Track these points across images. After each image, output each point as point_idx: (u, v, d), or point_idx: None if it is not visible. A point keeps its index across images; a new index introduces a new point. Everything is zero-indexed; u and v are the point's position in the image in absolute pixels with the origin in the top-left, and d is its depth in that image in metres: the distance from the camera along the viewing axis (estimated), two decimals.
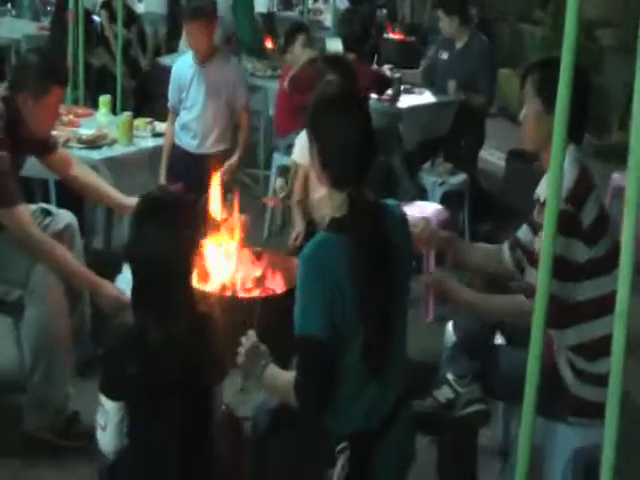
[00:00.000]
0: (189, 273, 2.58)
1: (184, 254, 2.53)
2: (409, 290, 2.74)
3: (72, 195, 4.77)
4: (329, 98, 2.67)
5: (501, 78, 10.23)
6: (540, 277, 2.39)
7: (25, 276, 3.74)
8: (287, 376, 2.62)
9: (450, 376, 3.22)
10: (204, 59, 4.86)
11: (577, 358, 3.03)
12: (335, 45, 6.47)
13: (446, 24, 6.62)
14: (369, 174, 2.63)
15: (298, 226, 4.40)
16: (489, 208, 6.50)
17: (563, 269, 2.84)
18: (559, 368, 3.05)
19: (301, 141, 4.59)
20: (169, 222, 2.50)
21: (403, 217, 2.76)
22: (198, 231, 2.64)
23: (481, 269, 3.52)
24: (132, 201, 4.08)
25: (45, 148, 4.08)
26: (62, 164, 4.18)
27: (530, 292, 2.92)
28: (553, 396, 2.87)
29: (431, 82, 6.82)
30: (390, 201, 2.77)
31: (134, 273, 2.52)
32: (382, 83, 6.13)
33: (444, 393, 3.21)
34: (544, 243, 2.40)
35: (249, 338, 2.74)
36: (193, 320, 2.56)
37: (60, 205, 4.76)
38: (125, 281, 3.87)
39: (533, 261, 3.08)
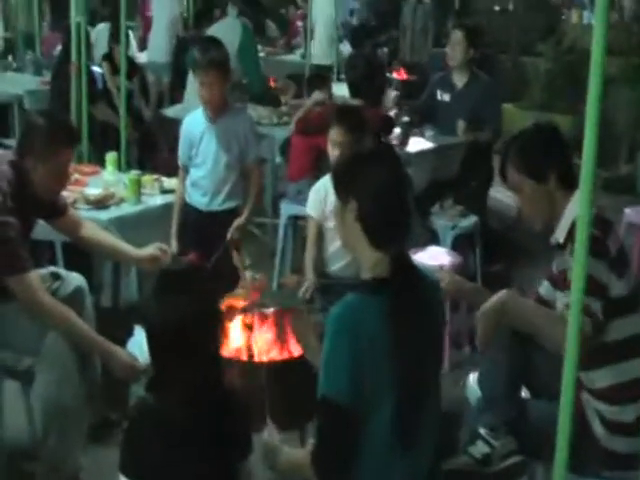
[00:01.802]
0: (215, 347, 2.52)
1: (207, 327, 2.48)
2: (442, 359, 2.70)
3: (79, 254, 4.76)
4: (366, 155, 2.66)
5: (505, 113, 10.26)
6: (571, 322, 2.31)
7: (35, 344, 3.70)
8: (302, 452, 2.58)
9: (483, 430, 3.17)
10: (215, 114, 4.79)
11: (604, 406, 3.00)
12: (342, 90, 6.48)
13: (460, 53, 6.56)
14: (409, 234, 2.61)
15: (309, 279, 4.34)
16: (500, 248, 6.46)
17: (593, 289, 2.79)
18: (588, 420, 3.01)
19: (313, 194, 4.56)
20: (189, 296, 2.45)
21: (436, 282, 2.73)
22: (218, 303, 2.58)
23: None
24: (145, 253, 4.13)
25: (55, 211, 4.06)
26: (72, 226, 4.16)
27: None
28: (584, 450, 2.81)
29: (428, 121, 6.78)
30: (422, 265, 2.74)
31: (154, 349, 2.46)
32: (388, 125, 6.11)
33: (479, 449, 3.15)
34: (574, 276, 2.29)
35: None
36: (219, 397, 2.50)
37: (68, 265, 4.74)
38: (137, 345, 3.85)
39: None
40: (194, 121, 4.90)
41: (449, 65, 6.71)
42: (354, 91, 6.05)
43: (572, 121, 9.56)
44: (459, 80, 6.62)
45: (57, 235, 4.43)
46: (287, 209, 6.18)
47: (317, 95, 6.26)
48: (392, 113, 6.71)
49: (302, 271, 4.63)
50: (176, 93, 9.12)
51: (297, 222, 6.31)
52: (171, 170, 5.52)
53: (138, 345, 3.82)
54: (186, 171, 4.96)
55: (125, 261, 4.49)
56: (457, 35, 6.65)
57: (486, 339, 3.00)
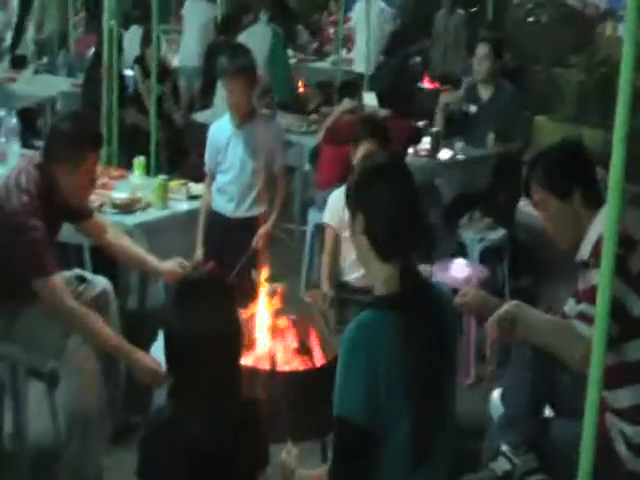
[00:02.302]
0: (233, 357, 2.50)
1: (225, 336, 2.47)
2: (456, 372, 2.68)
3: (107, 258, 4.78)
4: (375, 169, 2.64)
5: (537, 125, 10.20)
6: (595, 340, 2.27)
7: (60, 347, 3.72)
8: (318, 472, 2.59)
9: (504, 447, 3.15)
10: (242, 120, 4.80)
11: (629, 427, 2.96)
12: (371, 99, 6.47)
13: (485, 64, 6.52)
14: (418, 248, 2.59)
15: (324, 288, 4.33)
16: (528, 262, 6.41)
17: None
18: (612, 440, 2.98)
19: (332, 202, 4.55)
20: (207, 305, 2.45)
21: (449, 296, 2.72)
22: (238, 312, 2.57)
23: None
24: (167, 266, 4.12)
25: (81, 215, 4.07)
26: (97, 230, 4.18)
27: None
28: (607, 471, 2.77)
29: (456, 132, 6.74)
30: (436, 280, 2.72)
31: (172, 357, 2.46)
32: (416, 135, 6.09)
33: (501, 465, 3.14)
34: (600, 292, 2.25)
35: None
36: (237, 407, 2.48)
37: (95, 268, 4.76)
38: (161, 350, 3.84)
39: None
40: (221, 127, 4.92)
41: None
42: (382, 100, 6.04)
43: (603, 135, 9.50)
44: (485, 92, 6.58)
45: (85, 238, 4.45)
46: (315, 217, 6.16)
47: (346, 103, 6.25)
48: (421, 123, 6.66)
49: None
50: (207, 98, 9.14)
51: (324, 230, 6.30)
52: (200, 175, 5.54)
53: (161, 350, 3.82)
54: (212, 177, 4.97)
55: (145, 272, 4.50)
56: (483, 49, 6.60)
57: (494, 349, 2.97)
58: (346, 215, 4.32)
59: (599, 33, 13.83)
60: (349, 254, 4.43)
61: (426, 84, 10.23)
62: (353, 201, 2.59)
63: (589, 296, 3.01)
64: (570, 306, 3.25)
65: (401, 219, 2.53)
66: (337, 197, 4.55)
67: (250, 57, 4.90)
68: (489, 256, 5.86)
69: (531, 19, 15.80)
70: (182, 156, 8.36)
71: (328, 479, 2.49)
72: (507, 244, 6.02)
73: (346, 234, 4.42)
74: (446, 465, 2.64)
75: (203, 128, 8.06)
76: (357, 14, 10.71)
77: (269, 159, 4.86)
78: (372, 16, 10.37)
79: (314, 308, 4.12)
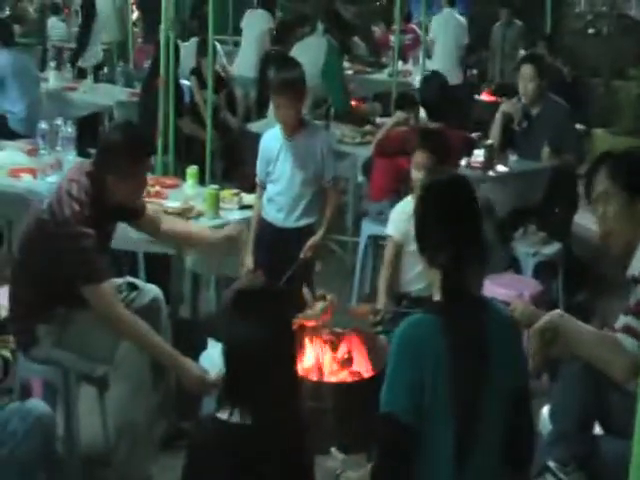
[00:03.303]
0: (289, 366, 2.53)
1: (281, 347, 2.49)
2: (520, 397, 2.66)
3: (160, 266, 4.83)
4: (436, 183, 2.80)
5: (595, 138, 10.09)
6: None
7: (110, 353, 3.76)
8: (362, 472, 2.63)
9: (552, 464, 3.11)
10: (291, 132, 4.80)
11: None
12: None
13: (531, 86, 6.44)
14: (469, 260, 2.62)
15: (380, 302, 4.33)
16: (583, 277, 6.33)
17: None
18: None
19: (395, 215, 4.56)
20: (265, 315, 2.47)
21: (509, 319, 2.74)
22: (291, 321, 2.59)
23: None
24: (220, 234, 4.40)
25: (134, 214, 4.12)
26: (152, 224, 4.25)
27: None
28: None
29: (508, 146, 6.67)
30: (496, 302, 2.78)
31: (229, 366, 2.47)
32: (468, 146, 6.05)
33: None
34: None
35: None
36: (290, 418, 2.49)
37: (148, 275, 4.81)
38: (209, 359, 3.88)
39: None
40: (272, 138, 4.94)
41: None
42: (429, 113, 6.00)
43: None
44: (534, 108, 6.49)
45: (138, 246, 4.50)
46: (367, 228, 6.17)
47: (398, 115, 6.23)
48: (475, 135, 6.61)
49: (375, 297, 4.62)
50: (263, 108, 9.19)
51: (377, 242, 6.30)
52: (253, 185, 5.57)
53: (209, 358, 3.87)
54: (263, 187, 5.00)
55: (202, 243, 4.55)
56: (527, 70, 6.43)
57: (537, 359, 2.98)
58: (411, 227, 4.38)
59: None
60: (413, 267, 4.44)
61: (484, 97, 10.20)
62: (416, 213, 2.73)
63: (637, 310, 2.97)
64: (620, 323, 3.21)
65: (444, 227, 2.62)
66: (401, 209, 4.58)
67: (298, 70, 4.85)
68: (543, 271, 5.80)
69: (591, 30, 15.65)
70: (237, 166, 8.43)
71: (372, 475, 2.53)
72: (562, 259, 5.95)
73: (411, 247, 4.43)
74: (492, 476, 2.63)
75: (257, 138, 8.19)
76: (436, 25, 10.72)
77: (319, 170, 4.86)
78: (449, 28, 10.41)
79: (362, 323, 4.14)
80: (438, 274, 2.58)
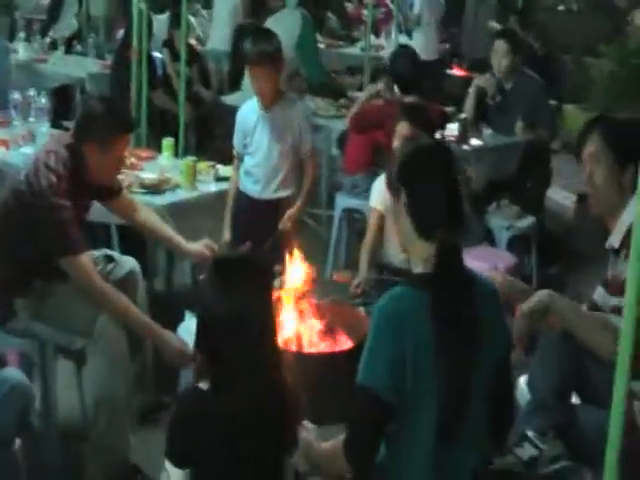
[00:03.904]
0: (270, 335, 2.51)
1: (263, 315, 2.47)
2: (502, 366, 2.66)
3: (134, 238, 4.79)
4: (419, 150, 2.72)
5: (566, 113, 10.11)
6: (623, 329, 2.26)
7: (88, 325, 3.73)
8: (334, 443, 2.61)
9: (530, 433, 3.11)
10: (268, 104, 4.77)
11: None
12: None
13: (505, 61, 6.46)
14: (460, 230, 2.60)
15: (362, 273, 4.34)
16: (556, 251, 6.37)
17: None
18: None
19: (378, 186, 4.55)
20: (245, 285, 2.45)
21: (494, 292, 2.71)
22: (272, 291, 2.57)
23: None
24: (195, 247, 4.16)
25: (110, 194, 4.09)
26: (126, 208, 4.20)
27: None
28: (635, 460, 2.76)
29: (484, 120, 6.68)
30: (480, 274, 2.73)
31: (208, 337, 2.45)
32: (442, 120, 6.04)
33: (526, 451, 3.09)
34: (629, 281, 2.24)
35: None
36: (270, 389, 2.48)
37: (123, 248, 4.78)
38: (187, 330, 3.87)
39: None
40: (249, 110, 4.90)
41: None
42: (404, 88, 5.98)
43: None
44: (508, 83, 6.51)
45: (112, 218, 4.46)
46: (342, 202, 6.17)
47: (370, 88, 6.20)
48: (449, 109, 6.60)
49: (356, 266, 4.63)
50: (236, 81, 9.13)
51: (351, 215, 6.30)
52: (227, 158, 5.53)
53: (188, 330, 3.85)
54: (240, 159, 4.96)
55: (174, 250, 4.55)
56: (500, 45, 6.50)
57: (522, 340, 2.97)
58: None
59: (630, 23, 13.70)
60: (394, 240, 4.44)
61: (456, 71, 10.19)
62: (397, 181, 2.62)
63: (622, 290, 2.98)
64: (600, 294, 3.23)
65: (443, 198, 2.55)
66: (383, 181, 4.54)
67: (274, 42, 4.78)
68: (517, 244, 5.84)
69: (562, 7, 15.67)
70: (210, 138, 8.39)
71: (344, 445, 2.52)
72: (535, 232, 5.98)
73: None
74: (478, 446, 2.64)
75: (231, 110, 8.14)
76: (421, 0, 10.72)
77: (296, 142, 4.84)
78: (432, 3, 10.43)
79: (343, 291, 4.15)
80: (426, 246, 2.53)
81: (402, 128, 4.48)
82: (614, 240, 3.05)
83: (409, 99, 5.71)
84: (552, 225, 6.71)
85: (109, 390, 3.70)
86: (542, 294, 2.99)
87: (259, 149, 4.82)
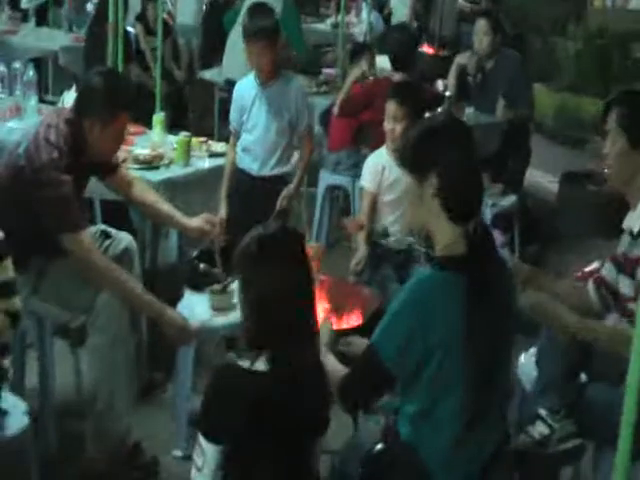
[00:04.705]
0: (313, 312, 2.48)
1: (308, 289, 2.45)
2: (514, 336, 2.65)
3: (119, 214, 4.72)
4: (442, 129, 2.59)
5: (535, 93, 10.16)
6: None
7: (89, 302, 3.67)
8: (338, 370, 2.63)
9: (542, 411, 3.14)
10: (266, 80, 4.71)
11: None
12: (384, 62, 6.38)
13: (486, 40, 6.46)
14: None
15: (361, 251, 4.33)
16: (537, 231, 6.41)
17: None
18: None
19: (369, 166, 4.52)
20: (292, 256, 2.43)
21: (511, 273, 2.73)
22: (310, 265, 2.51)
23: (564, 302, 3.40)
24: (195, 222, 4.08)
25: (108, 169, 4.02)
26: (123, 184, 4.13)
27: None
28: None
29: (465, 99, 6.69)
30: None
31: (251, 313, 2.41)
32: (436, 102, 6.03)
33: (538, 429, 3.12)
34: None
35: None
36: (317, 362, 2.47)
37: (106, 224, 4.69)
38: (187, 307, 3.82)
39: (623, 308, 3.03)
40: (246, 86, 4.84)
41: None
42: (397, 64, 5.94)
43: (599, 105, 9.48)
44: (488, 62, 6.53)
45: (95, 192, 4.36)
46: (326, 179, 6.13)
47: (355, 72, 6.12)
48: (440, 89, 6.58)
49: (338, 244, 4.61)
50: (208, 56, 9.03)
51: (333, 192, 6.27)
52: (203, 134, 5.46)
53: (188, 307, 3.81)
54: (237, 136, 4.89)
55: (173, 227, 4.48)
56: (482, 24, 6.51)
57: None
58: (385, 179, 4.38)
59: (589, 5, 13.80)
60: (387, 216, 4.46)
61: (425, 49, 10.16)
62: (421, 164, 2.51)
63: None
64: (608, 270, 3.23)
65: (473, 178, 2.51)
66: (375, 162, 4.54)
67: (272, 16, 4.76)
68: (499, 222, 5.85)
69: None
70: (183, 113, 8.28)
71: (338, 387, 2.55)
72: (518, 211, 6.01)
73: (384, 198, 4.43)
74: (498, 426, 2.65)
75: (209, 86, 8.05)
76: None
77: (293, 119, 4.78)
78: None
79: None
80: (455, 228, 2.47)
81: (391, 108, 4.41)
82: (633, 223, 3.07)
83: (398, 77, 5.68)
84: (531, 205, 6.76)
85: (111, 367, 3.65)
86: (569, 318, 3.01)
87: (257, 126, 4.77)
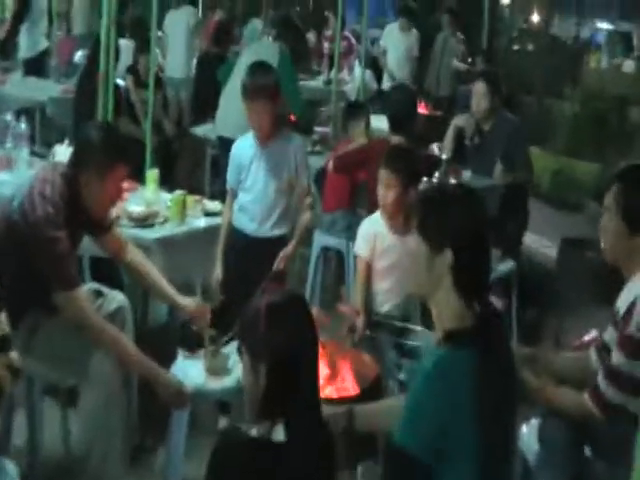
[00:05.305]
0: (317, 376, 2.51)
1: (314, 356, 2.49)
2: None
3: (110, 271, 4.75)
4: (454, 199, 2.57)
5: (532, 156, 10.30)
6: None
7: (81, 363, 3.69)
8: None
9: None
10: (265, 139, 4.77)
11: None
12: (381, 123, 6.48)
13: (484, 102, 6.56)
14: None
15: (359, 320, 4.34)
16: (535, 297, 6.46)
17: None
18: None
19: (363, 232, 4.56)
20: (301, 325, 2.46)
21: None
22: (316, 332, 2.55)
23: (567, 378, 3.40)
24: (187, 303, 4.11)
25: (102, 227, 4.06)
26: (116, 245, 4.16)
27: (594, 398, 3.04)
28: None
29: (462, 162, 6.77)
30: None
31: (259, 380, 2.42)
32: (432, 166, 6.10)
33: None
34: None
35: None
36: (319, 429, 2.49)
37: (96, 280, 4.72)
38: (181, 370, 3.85)
39: (610, 374, 3.08)
40: (244, 145, 4.89)
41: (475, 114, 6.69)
42: (396, 126, 6.03)
43: (597, 169, 9.63)
44: (486, 124, 6.62)
45: (84, 249, 4.37)
46: (320, 240, 6.17)
47: (361, 139, 6.20)
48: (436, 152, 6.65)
49: (331, 306, 4.60)
50: (198, 110, 9.13)
51: (327, 254, 6.31)
52: (192, 190, 5.50)
53: (182, 370, 3.83)
54: (234, 195, 4.93)
55: (163, 301, 4.45)
56: (480, 86, 6.59)
57: None
58: (378, 245, 4.42)
59: (585, 65, 14.06)
60: (381, 285, 4.47)
61: (420, 109, 10.31)
62: (437, 236, 2.48)
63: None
64: (609, 334, 3.26)
65: (486, 253, 2.53)
66: (367, 228, 4.53)
67: (272, 75, 4.83)
68: (497, 287, 5.89)
69: (516, 47, 16.01)
70: (171, 168, 8.34)
71: None
72: (516, 276, 6.06)
73: (378, 264, 4.47)
74: None
75: (201, 142, 8.14)
76: (388, 35, 10.98)
77: (292, 179, 4.83)
78: (402, 39, 10.66)
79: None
80: (462, 302, 2.47)
81: (384, 176, 4.42)
82: (621, 304, 3.15)
83: (396, 139, 5.76)
84: (529, 270, 6.82)
85: (104, 429, 3.66)
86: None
87: (255, 185, 4.81)
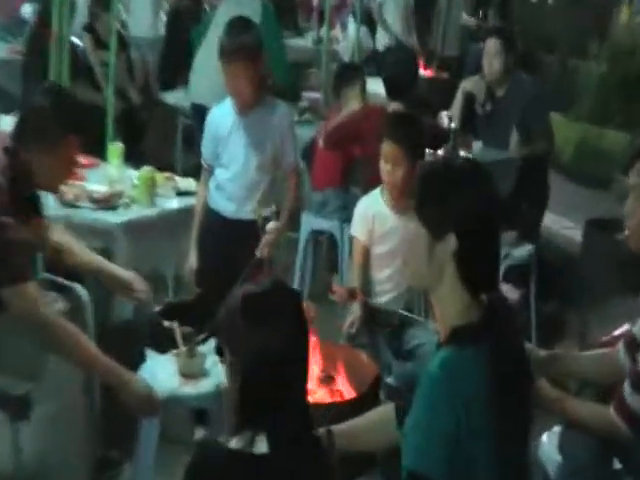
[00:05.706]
0: (306, 379, 2.52)
1: (304, 355, 2.49)
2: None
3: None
4: (461, 178, 2.51)
5: (553, 124, 10.31)
6: None
7: (34, 367, 3.69)
8: None
9: None
10: (245, 107, 4.74)
11: None
12: (377, 87, 6.48)
13: (497, 63, 6.58)
14: None
15: (355, 311, 4.36)
16: (555, 285, 6.48)
17: None
18: None
19: (360, 212, 4.58)
20: (289, 321, 2.45)
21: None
22: (307, 327, 2.55)
23: (593, 379, 3.44)
24: (129, 275, 4.06)
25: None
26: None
27: (619, 410, 2.99)
28: None
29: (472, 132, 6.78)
30: None
31: (242, 385, 2.43)
32: (439, 137, 6.09)
33: None
34: None
35: None
36: (308, 439, 2.50)
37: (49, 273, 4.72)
38: (150, 372, 3.86)
39: (636, 382, 3.06)
40: (222, 113, 4.86)
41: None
42: (394, 92, 6.02)
43: (627, 139, 9.62)
44: (499, 88, 6.64)
45: None
46: (309, 222, 6.19)
47: (354, 105, 6.18)
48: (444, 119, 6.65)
49: (322, 297, 4.62)
50: (168, 74, 9.13)
51: (318, 238, 6.32)
52: (163, 166, 5.51)
53: (151, 372, 3.84)
54: (210, 171, 4.92)
55: (93, 273, 4.26)
56: (493, 44, 6.61)
57: None
58: (377, 229, 4.43)
59: (614, 19, 14.02)
60: (380, 273, 4.51)
61: (423, 72, 10.31)
62: (439, 220, 2.46)
63: None
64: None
65: (495, 239, 2.51)
66: (365, 206, 4.57)
67: (254, 33, 4.77)
68: (513, 276, 5.91)
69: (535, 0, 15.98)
70: (137, 141, 8.33)
71: None
72: (535, 262, 6.08)
73: (377, 250, 4.49)
74: None
75: (172, 110, 8.14)
76: None
77: (277, 153, 4.82)
78: None
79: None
80: (467, 294, 2.46)
81: (387, 149, 4.42)
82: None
83: (394, 106, 5.77)
84: (549, 256, 6.83)
85: (61, 442, 3.68)
86: None
87: (234, 160, 4.79)
